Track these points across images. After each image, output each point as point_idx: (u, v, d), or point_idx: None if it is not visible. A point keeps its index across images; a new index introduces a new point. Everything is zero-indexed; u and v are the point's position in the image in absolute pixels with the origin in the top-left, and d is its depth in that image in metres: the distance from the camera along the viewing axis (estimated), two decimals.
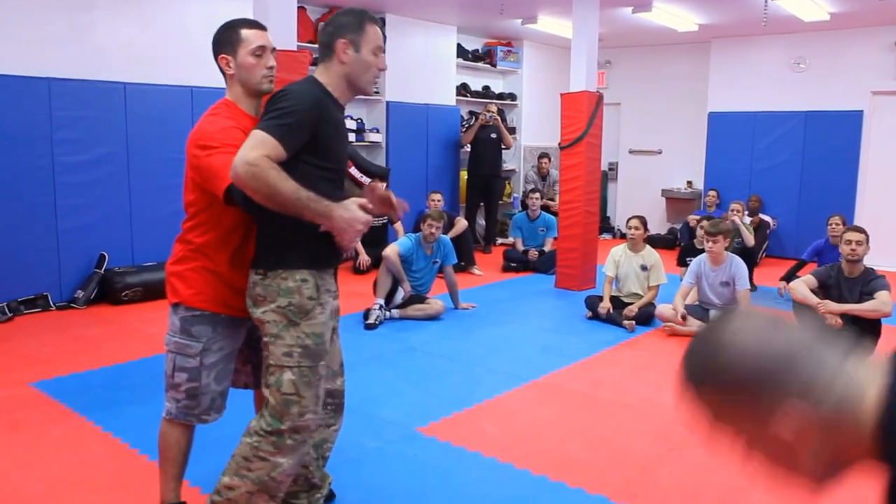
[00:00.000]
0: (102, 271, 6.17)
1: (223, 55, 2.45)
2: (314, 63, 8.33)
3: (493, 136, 9.42)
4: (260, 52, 2.42)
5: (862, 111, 9.11)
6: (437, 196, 8.00)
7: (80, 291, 6.06)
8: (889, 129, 9.09)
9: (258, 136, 2.04)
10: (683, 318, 5.53)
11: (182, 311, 2.44)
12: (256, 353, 2.50)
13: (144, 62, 6.50)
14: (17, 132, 5.73)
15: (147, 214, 6.55)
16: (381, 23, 2.56)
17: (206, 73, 6.79)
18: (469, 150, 9.58)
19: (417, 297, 6.03)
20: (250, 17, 4.51)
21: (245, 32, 2.45)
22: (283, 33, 4.48)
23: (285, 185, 2.02)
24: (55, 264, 6.03)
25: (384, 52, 2.39)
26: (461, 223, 8.20)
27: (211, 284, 2.40)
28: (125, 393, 4.11)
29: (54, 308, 5.96)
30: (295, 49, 4.57)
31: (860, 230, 4.89)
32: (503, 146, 9.59)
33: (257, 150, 2.01)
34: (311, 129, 2.15)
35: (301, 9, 7.89)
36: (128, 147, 6.40)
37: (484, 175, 9.45)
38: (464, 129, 9.79)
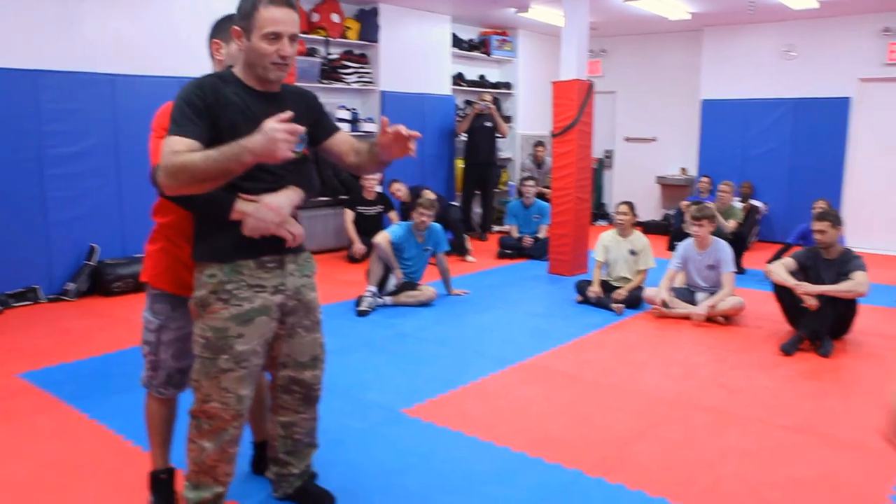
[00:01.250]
0: (93, 263, 6.21)
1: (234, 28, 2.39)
2: (308, 54, 8.30)
3: (489, 124, 9.47)
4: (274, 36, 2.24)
5: (849, 98, 9.16)
6: (398, 185, 8.24)
7: (70, 284, 6.10)
8: (876, 115, 9.14)
9: (163, 144, 2.10)
10: (663, 303, 5.60)
11: (148, 288, 2.56)
12: None
13: (132, 54, 6.51)
14: (4, 125, 5.74)
15: (137, 206, 6.55)
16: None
17: (195, 64, 6.85)
18: (465, 138, 9.63)
19: (409, 284, 6.08)
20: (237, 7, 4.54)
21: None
22: None
23: (195, 158, 2.01)
24: (45, 257, 6.06)
25: (288, 36, 2.18)
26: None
27: (171, 266, 2.48)
28: (113, 382, 4.15)
29: (45, 301, 5.99)
30: None
31: (824, 218, 4.96)
32: (498, 135, 9.64)
33: (163, 153, 2.06)
34: (204, 109, 2.15)
35: None
36: (116, 139, 6.43)
37: (480, 163, 9.50)
38: (459, 119, 9.83)
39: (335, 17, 8.15)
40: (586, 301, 6.10)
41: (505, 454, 3.23)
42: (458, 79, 10.11)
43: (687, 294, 5.77)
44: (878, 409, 3.80)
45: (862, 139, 9.25)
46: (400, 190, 8.15)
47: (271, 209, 2.22)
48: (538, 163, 10.09)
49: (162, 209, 2.48)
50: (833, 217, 4.95)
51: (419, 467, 3.09)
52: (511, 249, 8.33)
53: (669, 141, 11.10)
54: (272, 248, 2.30)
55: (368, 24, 8.53)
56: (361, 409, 3.75)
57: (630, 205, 6.19)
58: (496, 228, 10.08)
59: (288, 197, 2.30)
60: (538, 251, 8.15)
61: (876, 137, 9.16)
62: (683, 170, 10.95)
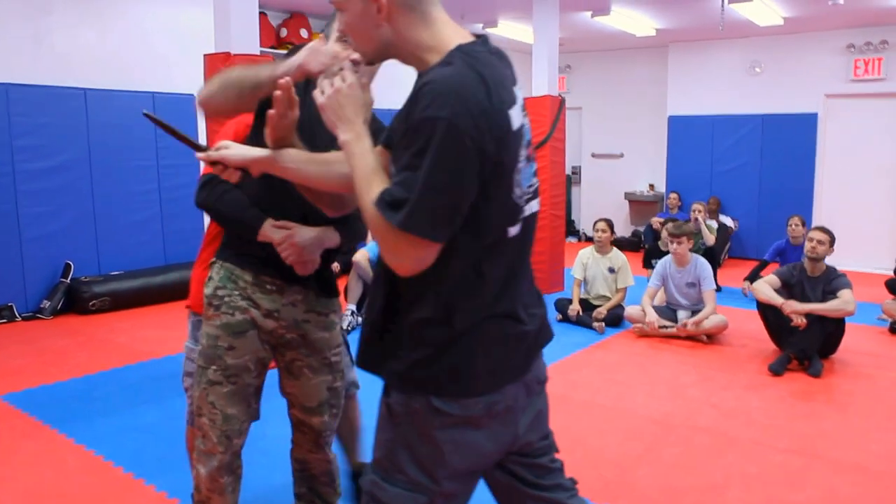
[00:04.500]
0: (68, 281, 6.08)
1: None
2: None
3: None
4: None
5: (816, 113, 9.35)
6: None
7: (45, 302, 5.96)
8: (842, 130, 9.34)
9: None
10: (654, 324, 5.60)
11: (191, 315, 2.49)
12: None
13: (105, 68, 6.42)
14: None
15: (113, 222, 6.47)
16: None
17: (168, 78, 6.82)
18: None
19: None
20: (211, 21, 4.50)
21: None
22: (246, 38, 4.46)
23: (234, 70, 1.96)
24: (20, 274, 5.92)
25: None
26: None
27: None
28: (97, 404, 4.06)
29: (20, 319, 5.86)
30: (258, 53, 4.54)
31: (826, 231, 5.05)
32: None
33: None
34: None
35: (262, 14, 7.86)
36: (90, 153, 6.33)
37: None
38: None
39: (303, 32, 8.11)
40: (566, 319, 6.11)
41: None
42: None
43: (668, 312, 5.81)
44: (876, 430, 3.87)
45: (829, 154, 9.44)
46: None
47: (293, 247, 2.11)
48: None
49: (211, 233, 2.44)
50: (829, 232, 5.05)
51: None
52: None
53: (637, 157, 11.24)
54: (275, 269, 2.14)
55: None
56: None
57: (609, 222, 6.24)
58: None
59: (319, 237, 2.14)
60: None
61: (843, 153, 9.36)
62: (651, 186, 11.09)
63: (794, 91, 9.48)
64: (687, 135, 10.28)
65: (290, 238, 2.10)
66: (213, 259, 2.24)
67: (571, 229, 11.59)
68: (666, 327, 5.66)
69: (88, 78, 6.29)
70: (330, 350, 2.32)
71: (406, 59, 1.50)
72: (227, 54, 4.36)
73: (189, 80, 6.63)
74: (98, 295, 6.03)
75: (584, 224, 11.60)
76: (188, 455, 2.61)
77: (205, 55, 4.55)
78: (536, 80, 7.26)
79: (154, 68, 6.58)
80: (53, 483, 3.11)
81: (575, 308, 6.06)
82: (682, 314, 5.73)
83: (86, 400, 4.13)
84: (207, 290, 2.18)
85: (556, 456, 1.76)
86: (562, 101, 7.30)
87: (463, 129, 1.29)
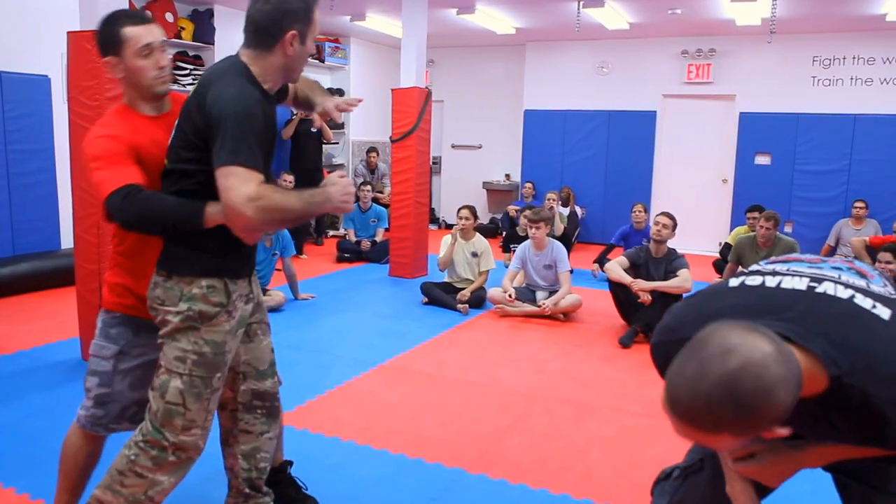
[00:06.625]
0: None
1: (108, 58, 2.25)
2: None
3: (314, 129, 9.30)
4: (147, 51, 2.21)
5: (655, 111, 10.14)
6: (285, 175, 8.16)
7: None
8: (676, 127, 10.21)
9: (237, 171, 1.85)
10: (511, 297, 5.92)
11: (103, 314, 2.31)
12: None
13: None
14: None
15: None
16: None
17: (14, 57, 6.34)
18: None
19: None
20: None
21: (128, 31, 2.22)
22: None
23: (291, 200, 1.92)
24: None
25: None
26: None
27: (130, 289, 2.28)
28: None
29: None
30: None
31: (670, 216, 5.56)
32: (324, 140, 9.53)
33: (251, 183, 1.85)
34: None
35: None
36: None
37: (306, 169, 9.31)
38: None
39: (169, 17, 7.78)
40: (431, 302, 6.30)
41: (385, 457, 3.31)
42: None
43: (528, 293, 6.13)
44: None
45: (665, 148, 10.27)
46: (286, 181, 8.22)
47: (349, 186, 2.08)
48: (371, 168, 10.21)
49: (117, 235, 2.29)
50: (672, 217, 5.52)
51: (303, 475, 3.05)
52: (349, 253, 8.40)
53: (494, 148, 11.65)
54: (240, 259, 2.15)
55: (203, 25, 8.22)
56: None
57: (472, 209, 6.49)
58: (331, 233, 10.06)
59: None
60: (376, 254, 8.28)
61: (676, 147, 10.23)
62: (508, 176, 11.52)
63: (636, 90, 10.18)
64: (541, 128, 10.78)
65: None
66: (192, 274, 2.05)
67: (432, 217, 11.81)
68: (532, 301, 5.99)
69: None
70: (266, 312, 2.42)
71: None
72: (94, 32, 4.12)
73: (40, 60, 6.26)
74: None
75: (445, 212, 11.88)
76: (60, 464, 2.37)
77: (68, 33, 4.27)
78: (405, 72, 7.39)
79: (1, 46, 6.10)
80: None
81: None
82: (540, 294, 6.06)
83: None
84: (214, 299, 2.05)
85: None
86: (428, 93, 7.46)
87: None
